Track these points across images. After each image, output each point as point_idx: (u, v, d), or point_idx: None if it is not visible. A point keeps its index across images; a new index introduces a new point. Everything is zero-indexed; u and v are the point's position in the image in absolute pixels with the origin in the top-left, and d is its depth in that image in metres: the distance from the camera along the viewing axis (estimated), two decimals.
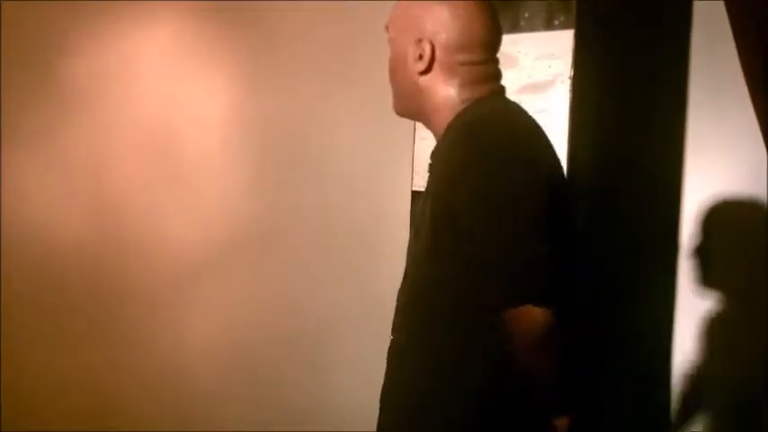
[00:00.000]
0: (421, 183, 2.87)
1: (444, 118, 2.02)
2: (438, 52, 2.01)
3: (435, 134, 2.08)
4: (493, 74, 2.06)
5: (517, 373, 1.81)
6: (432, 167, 2.03)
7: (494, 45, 2.06)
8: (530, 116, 2.02)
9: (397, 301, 2.08)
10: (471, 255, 1.82)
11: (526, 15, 2.83)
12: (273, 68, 3.87)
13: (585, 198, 2.78)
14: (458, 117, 1.99)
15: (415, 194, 3.06)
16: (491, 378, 1.86)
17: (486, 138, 1.88)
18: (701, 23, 3.10)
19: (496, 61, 2.07)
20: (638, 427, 3.09)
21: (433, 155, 2.04)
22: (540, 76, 2.76)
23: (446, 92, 2.02)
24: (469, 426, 1.87)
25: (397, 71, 2.08)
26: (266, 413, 3.88)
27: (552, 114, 2.66)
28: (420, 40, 2.01)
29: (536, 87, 2.75)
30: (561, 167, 2.03)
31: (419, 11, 2.03)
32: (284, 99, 3.87)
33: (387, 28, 2.11)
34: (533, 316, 1.78)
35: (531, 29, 2.81)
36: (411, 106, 2.09)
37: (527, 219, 1.81)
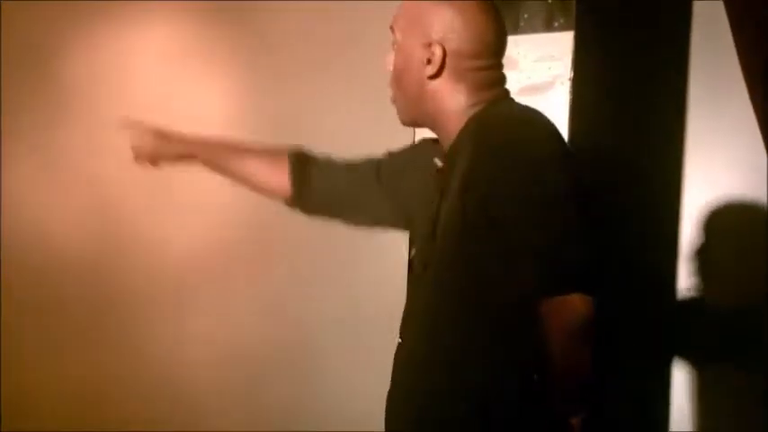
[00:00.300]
0: None
1: (452, 122, 2.01)
2: (449, 57, 1.99)
3: (442, 138, 2.07)
4: (500, 78, 2.08)
5: (552, 368, 1.81)
6: (448, 169, 2.00)
7: (502, 50, 2.07)
8: (544, 116, 2.03)
9: (411, 304, 2.07)
10: (522, 249, 1.83)
11: (526, 17, 2.83)
12: (272, 69, 3.86)
13: (584, 212, 2.77)
14: (476, 118, 1.98)
15: None
16: (523, 377, 1.87)
17: (523, 134, 1.90)
18: (701, 23, 3.11)
19: (502, 65, 2.08)
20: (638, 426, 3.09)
21: (449, 157, 2.01)
22: (539, 77, 2.77)
23: (455, 96, 2.01)
24: (500, 425, 1.88)
25: (402, 75, 2.06)
26: (264, 417, 3.88)
27: (552, 116, 2.65)
28: (430, 44, 2.00)
29: (536, 89, 2.75)
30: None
31: (428, 13, 2.02)
32: (284, 100, 3.87)
33: (392, 29, 2.08)
34: (575, 305, 1.78)
35: (531, 30, 2.81)
36: (417, 111, 2.07)
37: (573, 212, 1.83)
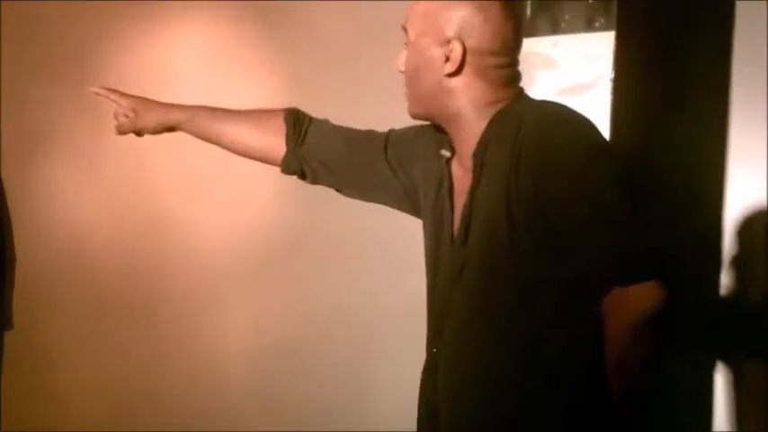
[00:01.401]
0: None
1: (470, 120, 1.99)
2: (469, 54, 1.97)
3: (456, 134, 2.03)
4: (518, 75, 2.05)
5: (616, 360, 1.82)
6: (477, 167, 1.97)
7: (520, 47, 2.05)
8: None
9: (447, 310, 2.03)
10: (588, 241, 1.84)
11: (567, 17, 2.82)
12: (310, 72, 3.86)
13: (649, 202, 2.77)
14: (503, 113, 1.97)
15: None
16: (590, 371, 1.89)
17: (578, 129, 1.92)
18: (744, 23, 3.08)
19: (518, 62, 2.06)
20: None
21: (478, 154, 1.97)
22: (580, 78, 2.76)
23: (473, 94, 1.99)
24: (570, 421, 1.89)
25: (419, 73, 2.02)
26: (300, 415, 3.89)
27: (593, 117, 2.64)
28: (448, 41, 1.97)
29: (577, 89, 2.74)
30: None
31: (444, 10, 1.98)
32: (322, 102, 3.86)
33: (404, 29, 2.05)
34: (648, 291, 1.81)
35: (572, 30, 2.80)
36: (432, 108, 2.04)
37: (636, 200, 1.86)
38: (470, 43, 1.96)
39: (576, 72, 2.76)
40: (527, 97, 2.05)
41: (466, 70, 1.98)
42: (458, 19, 1.96)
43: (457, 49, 1.96)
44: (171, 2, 4.13)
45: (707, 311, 3.15)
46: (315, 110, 3.86)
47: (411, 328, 3.59)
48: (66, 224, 4.32)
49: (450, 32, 1.97)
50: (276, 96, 3.99)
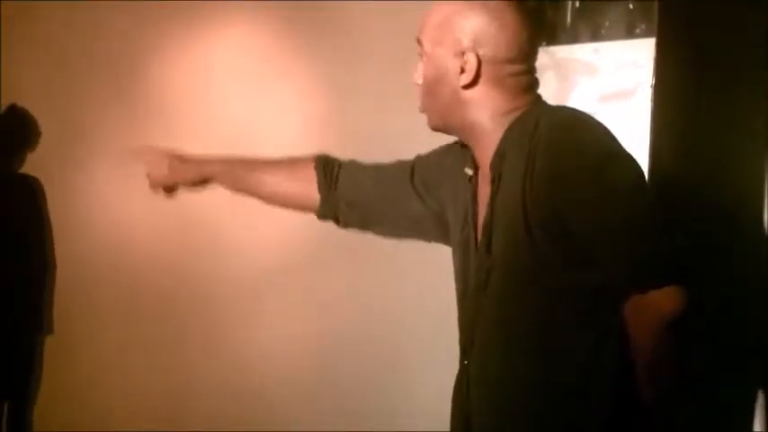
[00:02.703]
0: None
1: (488, 130, 1.96)
2: (484, 65, 1.93)
3: (476, 145, 2.00)
4: (535, 82, 2.01)
5: (640, 366, 1.81)
6: (494, 177, 1.96)
7: (536, 53, 2.00)
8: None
9: (475, 320, 2.03)
10: (604, 248, 1.83)
11: (607, 24, 2.81)
12: (356, 80, 3.86)
13: (668, 206, 2.76)
14: (519, 121, 1.94)
15: None
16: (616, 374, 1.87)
17: (590, 135, 1.89)
18: None
19: (536, 69, 2.02)
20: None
21: (495, 164, 1.96)
22: (621, 84, 2.75)
23: (492, 104, 1.95)
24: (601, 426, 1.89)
25: (436, 85, 1.99)
26: (339, 418, 3.91)
27: (634, 123, 2.65)
28: (463, 53, 1.93)
29: (618, 96, 2.73)
30: None
31: (457, 20, 1.95)
32: (365, 104, 3.88)
33: (419, 41, 2.00)
34: (667, 297, 1.77)
35: (612, 37, 2.79)
36: (451, 119, 2.00)
37: (653, 203, 1.85)
38: (486, 52, 1.93)
39: (616, 79, 2.75)
40: (544, 104, 2.02)
41: (482, 80, 1.94)
42: (472, 28, 1.93)
43: (472, 61, 1.92)
44: (212, 2, 4.15)
45: (754, 312, 3.13)
46: (352, 117, 3.90)
47: (444, 328, 3.60)
48: (107, 228, 4.36)
49: (465, 43, 1.93)
50: (314, 103, 4.02)
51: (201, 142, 4.15)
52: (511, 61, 1.94)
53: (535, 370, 1.92)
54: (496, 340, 1.98)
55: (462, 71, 1.94)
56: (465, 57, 1.93)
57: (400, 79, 3.84)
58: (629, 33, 2.78)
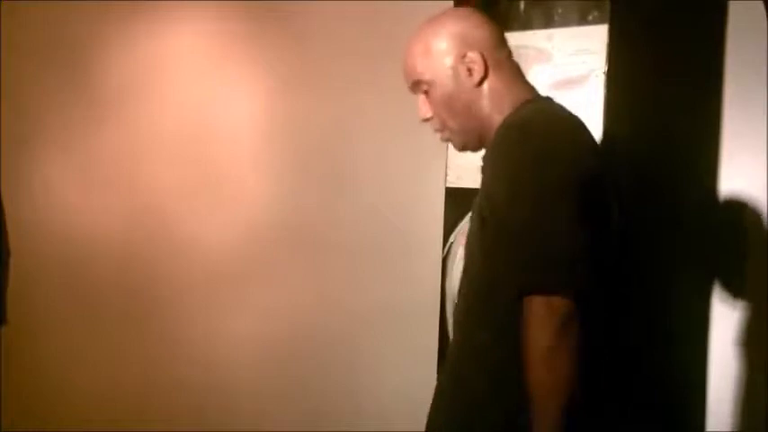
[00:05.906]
0: (453, 179, 2.88)
1: (498, 120, 2.03)
2: (487, 56, 2.04)
3: (489, 138, 2.06)
4: (519, 66, 2.14)
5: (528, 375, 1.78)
6: (483, 169, 2.02)
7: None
8: (574, 117, 2.03)
9: (459, 298, 2.09)
10: (510, 245, 1.82)
11: (560, 11, 2.82)
12: (306, 69, 3.85)
13: (619, 194, 2.77)
14: (505, 120, 2.00)
15: (449, 191, 3.06)
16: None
17: (535, 135, 1.90)
18: (737, 17, 3.09)
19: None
20: None
21: (485, 158, 2.03)
22: (574, 71, 2.76)
23: (506, 88, 2.05)
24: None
25: (452, 99, 2.05)
26: (300, 414, 3.90)
27: (586, 110, 2.65)
28: (463, 56, 2.02)
29: (570, 83, 2.74)
30: (601, 167, 2.02)
31: (437, 39, 2.03)
32: (318, 99, 3.86)
33: (415, 84, 2.07)
34: (553, 305, 1.75)
35: (565, 24, 2.80)
36: (473, 125, 2.06)
37: (563, 212, 1.81)
38: (479, 46, 2.03)
39: (569, 65, 2.76)
40: (544, 99, 2.09)
41: (490, 70, 2.04)
42: (453, 34, 2.03)
43: (475, 57, 2.02)
44: (171, 1, 4.12)
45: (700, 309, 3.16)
46: (313, 107, 3.88)
47: (407, 327, 3.60)
48: (60, 222, 4.31)
49: (458, 48, 2.03)
50: (273, 94, 3.99)
51: (154, 142, 4.12)
52: (498, 47, 2.07)
53: (465, 365, 1.98)
54: (459, 324, 2.07)
55: (470, 71, 2.02)
56: (466, 57, 2.02)
57: (353, 78, 3.85)
58: (582, 20, 2.79)
